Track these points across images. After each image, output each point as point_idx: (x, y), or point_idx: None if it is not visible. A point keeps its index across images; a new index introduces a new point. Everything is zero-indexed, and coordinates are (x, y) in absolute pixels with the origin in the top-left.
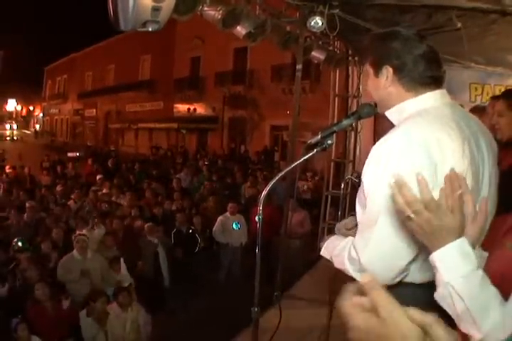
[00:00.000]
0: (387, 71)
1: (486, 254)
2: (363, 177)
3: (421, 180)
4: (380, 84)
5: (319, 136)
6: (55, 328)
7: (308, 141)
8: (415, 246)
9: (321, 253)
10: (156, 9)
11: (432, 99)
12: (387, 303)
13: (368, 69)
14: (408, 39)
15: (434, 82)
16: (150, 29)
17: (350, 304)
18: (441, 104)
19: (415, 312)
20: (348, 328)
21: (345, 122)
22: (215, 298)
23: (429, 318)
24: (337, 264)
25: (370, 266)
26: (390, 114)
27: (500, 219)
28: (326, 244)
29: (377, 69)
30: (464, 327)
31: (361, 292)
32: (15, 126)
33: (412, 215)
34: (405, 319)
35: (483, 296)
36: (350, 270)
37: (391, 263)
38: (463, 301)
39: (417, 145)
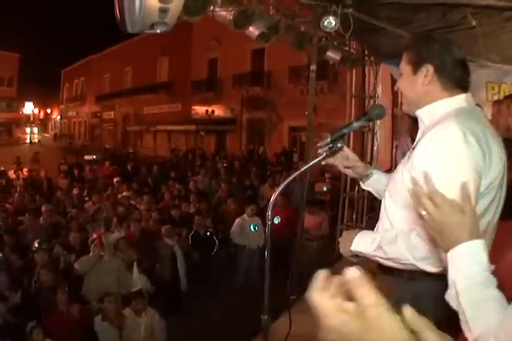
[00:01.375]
0: (427, 69)
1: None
2: (416, 167)
3: (429, 178)
4: (418, 81)
5: (329, 139)
6: (71, 332)
7: (318, 144)
8: None
9: (352, 248)
10: (163, 10)
11: (466, 101)
12: (377, 304)
13: (404, 67)
14: (449, 43)
15: (466, 86)
16: (158, 31)
17: (328, 300)
18: (472, 106)
19: (410, 314)
20: (321, 327)
21: (356, 124)
22: (233, 300)
23: (422, 322)
24: (390, 254)
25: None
26: (423, 113)
27: (507, 225)
28: (356, 240)
29: (417, 67)
30: (464, 329)
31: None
32: (35, 130)
33: (424, 213)
34: (394, 324)
35: (481, 298)
36: (410, 258)
37: None
38: (459, 300)
39: (471, 137)
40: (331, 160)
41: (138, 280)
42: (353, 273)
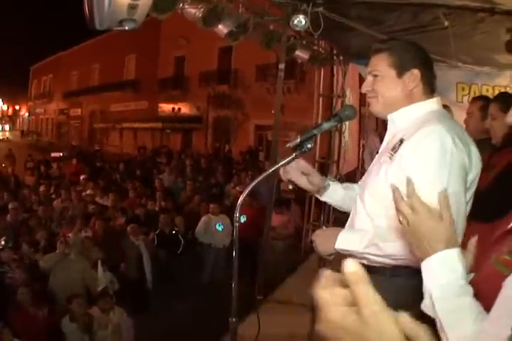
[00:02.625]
0: (414, 74)
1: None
2: (407, 170)
3: (410, 182)
4: (402, 85)
5: (298, 140)
6: (38, 332)
7: (287, 145)
8: None
9: (338, 246)
10: (132, 7)
11: (437, 104)
12: (373, 302)
13: (385, 69)
14: (424, 49)
15: (435, 89)
16: (127, 28)
17: (328, 293)
18: (442, 109)
19: (405, 319)
20: (320, 319)
21: (326, 125)
22: (199, 299)
23: (419, 328)
24: (387, 250)
25: None
26: (396, 115)
27: (488, 228)
28: (341, 238)
29: (403, 71)
30: (440, 334)
31: (342, 282)
32: (7, 127)
33: (402, 219)
34: (390, 323)
35: (456, 307)
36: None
37: None
38: (435, 310)
39: (457, 139)
40: (288, 175)
41: (102, 279)
42: (350, 267)
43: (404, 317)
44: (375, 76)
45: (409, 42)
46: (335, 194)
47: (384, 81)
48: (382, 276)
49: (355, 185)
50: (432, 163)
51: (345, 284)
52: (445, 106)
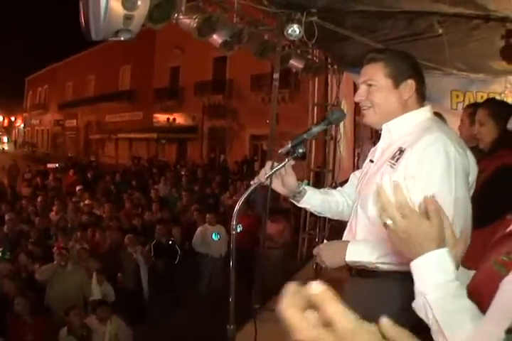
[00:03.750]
0: (409, 84)
1: (470, 273)
2: (415, 177)
3: (397, 185)
4: (398, 95)
5: (289, 145)
6: None
7: (279, 151)
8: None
9: (349, 258)
10: (128, 18)
11: (430, 112)
12: (347, 319)
13: (381, 80)
14: (414, 58)
15: (425, 97)
16: (122, 38)
17: (297, 313)
18: (434, 116)
19: (387, 325)
20: None
21: (315, 129)
22: (197, 308)
23: (401, 333)
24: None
25: None
26: (392, 125)
27: (488, 232)
28: (351, 250)
29: (399, 81)
30: (436, 338)
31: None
32: (5, 139)
33: (389, 222)
34: (366, 335)
35: (454, 308)
36: None
37: None
38: (432, 311)
39: (458, 147)
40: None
41: (96, 291)
42: (316, 288)
43: (385, 321)
44: (370, 85)
45: (402, 51)
46: (313, 199)
47: (380, 91)
48: (377, 279)
49: (333, 191)
50: (440, 170)
51: (313, 304)
52: (438, 114)
